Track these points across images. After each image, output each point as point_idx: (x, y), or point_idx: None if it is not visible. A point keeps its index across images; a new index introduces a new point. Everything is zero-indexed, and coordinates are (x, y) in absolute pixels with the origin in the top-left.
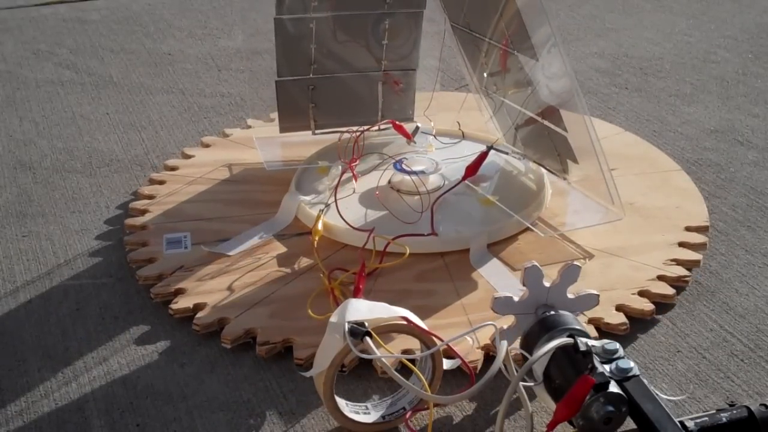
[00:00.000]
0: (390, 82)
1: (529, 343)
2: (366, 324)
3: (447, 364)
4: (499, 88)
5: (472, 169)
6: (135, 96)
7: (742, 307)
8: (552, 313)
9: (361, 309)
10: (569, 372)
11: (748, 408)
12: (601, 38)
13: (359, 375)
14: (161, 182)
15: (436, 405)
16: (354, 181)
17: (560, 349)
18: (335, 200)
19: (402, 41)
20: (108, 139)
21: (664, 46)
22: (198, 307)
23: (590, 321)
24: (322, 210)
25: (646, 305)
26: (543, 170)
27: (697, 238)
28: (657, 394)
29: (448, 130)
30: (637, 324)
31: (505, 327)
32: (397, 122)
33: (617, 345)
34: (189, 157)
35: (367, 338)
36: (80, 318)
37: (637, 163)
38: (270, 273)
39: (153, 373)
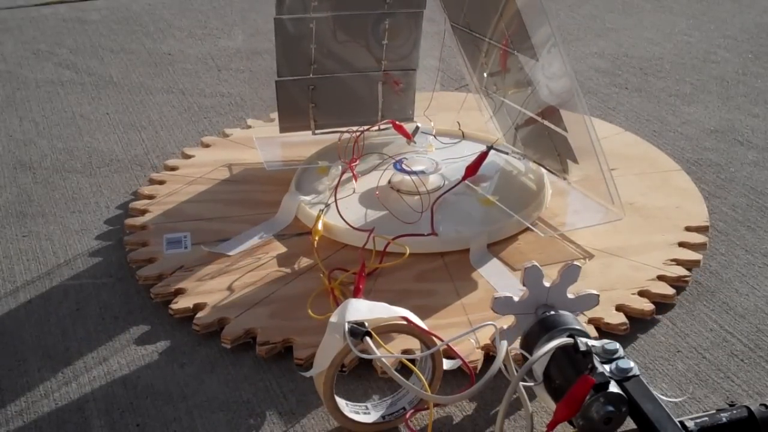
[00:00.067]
0: (390, 82)
1: (529, 343)
2: (366, 324)
3: (447, 364)
4: (499, 88)
5: (472, 169)
6: (135, 96)
7: (742, 307)
8: (552, 313)
9: (361, 309)
10: (569, 372)
11: (748, 408)
12: (601, 38)
13: (359, 375)
14: (161, 182)
15: (436, 405)
16: (354, 181)
17: (560, 349)
18: (335, 200)
19: (402, 41)
20: (108, 139)
21: (664, 46)
22: (198, 307)
23: (590, 321)
24: (322, 210)
25: (646, 305)
26: (543, 170)
27: (697, 238)
28: (659, 397)
29: (448, 130)
30: (637, 324)
31: (505, 327)
32: (397, 122)
33: (617, 345)
34: (189, 157)
35: (367, 338)
36: (80, 318)
37: (637, 163)
38: (270, 273)
39: (153, 373)
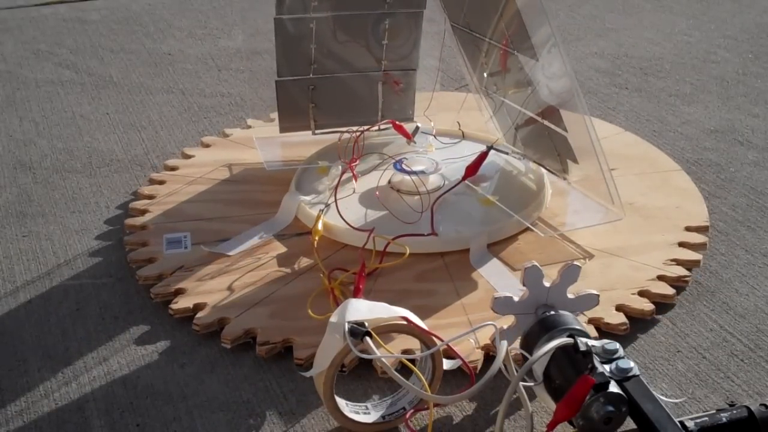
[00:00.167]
0: (390, 82)
1: (529, 343)
2: (366, 324)
3: (447, 364)
4: (499, 88)
5: (472, 169)
6: (135, 96)
7: (742, 307)
8: (552, 313)
9: (361, 309)
10: (569, 372)
11: (748, 408)
12: (601, 38)
13: (359, 375)
14: (161, 182)
15: (436, 405)
16: (354, 181)
17: (560, 349)
18: (335, 200)
19: (402, 41)
20: (108, 139)
21: (664, 46)
22: (198, 307)
23: (590, 321)
24: (322, 210)
25: (646, 305)
26: (543, 170)
27: (697, 238)
28: (659, 397)
29: (448, 130)
30: (637, 324)
31: (505, 327)
32: (397, 122)
33: (617, 345)
34: (189, 157)
35: (367, 338)
36: (80, 318)
37: (637, 163)
38: (270, 273)
39: (153, 373)
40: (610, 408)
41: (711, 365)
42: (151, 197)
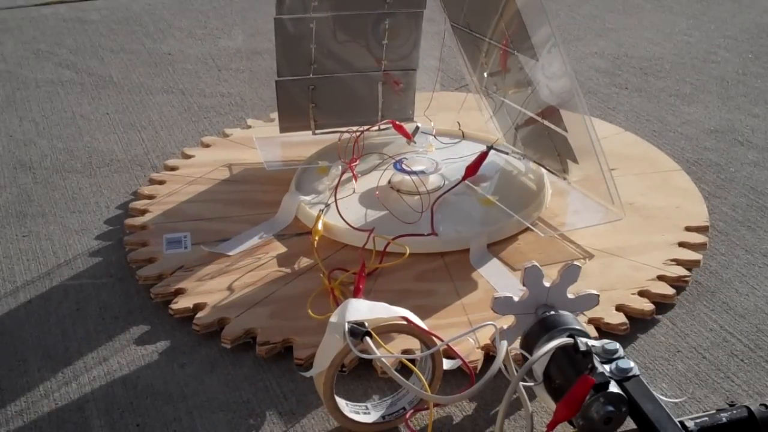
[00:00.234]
0: (390, 82)
1: (529, 343)
2: (366, 324)
3: (447, 364)
4: (499, 88)
5: (472, 169)
6: (135, 96)
7: (742, 307)
8: (552, 313)
9: (361, 309)
10: (569, 372)
11: (748, 408)
12: (601, 38)
13: (359, 375)
14: (161, 182)
15: (436, 405)
16: (354, 181)
17: (560, 349)
18: (335, 200)
19: (402, 41)
20: (108, 139)
21: (664, 46)
22: (198, 307)
23: (590, 321)
24: (322, 210)
25: (646, 305)
26: (543, 170)
27: (697, 238)
28: (659, 397)
29: (448, 130)
30: (637, 324)
31: (505, 327)
32: (397, 122)
33: (617, 345)
34: (189, 157)
35: (367, 338)
36: (80, 318)
37: (637, 163)
38: (270, 273)
39: (153, 373)
40: (610, 408)
41: (711, 365)
42: (151, 197)
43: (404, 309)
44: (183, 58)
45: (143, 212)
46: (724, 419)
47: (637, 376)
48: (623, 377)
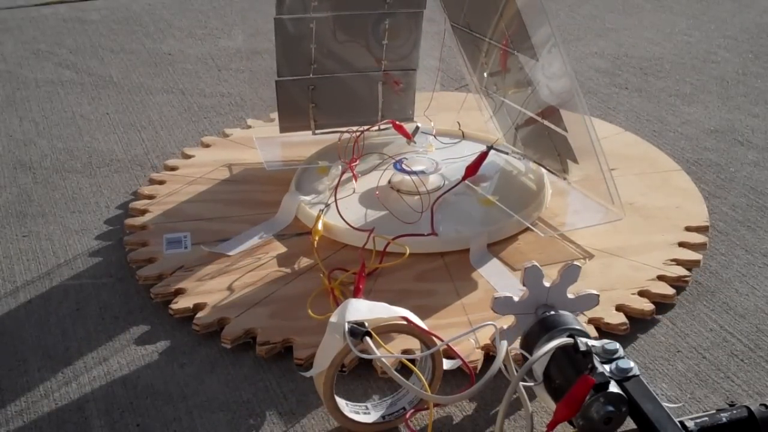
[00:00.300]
0: (390, 82)
1: (529, 343)
2: (366, 324)
3: (447, 364)
4: (499, 88)
5: (472, 169)
6: (135, 96)
7: (742, 307)
8: (552, 313)
9: (361, 309)
10: (569, 372)
11: (748, 408)
12: (601, 38)
13: (359, 375)
14: (161, 182)
15: (436, 405)
16: (354, 181)
17: (560, 349)
18: (335, 200)
19: (402, 41)
20: (108, 139)
21: (664, 46)
22: (198, 307)
23: (590, 321)
24: (322, 210)
25: (646, 305)
26: (543, 170)
27: (697, 238)
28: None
29: (448, 130)
30: (637, 324)
31: (505, 327)
32: (397, 122)
33: (617, 345)
34: (189, 157)
35: (367, 338)
36: (80, 318)
37: (637, 163)
38: (270, 273)
39: (153, 373)
40: (610, 408)
41: (711, 365)
42: (151, 197)
43: (404, 309)
44: (183, 58)
45: (143, 212)
46: (724, 419)
47: (637, 376)
48: (623, 377)
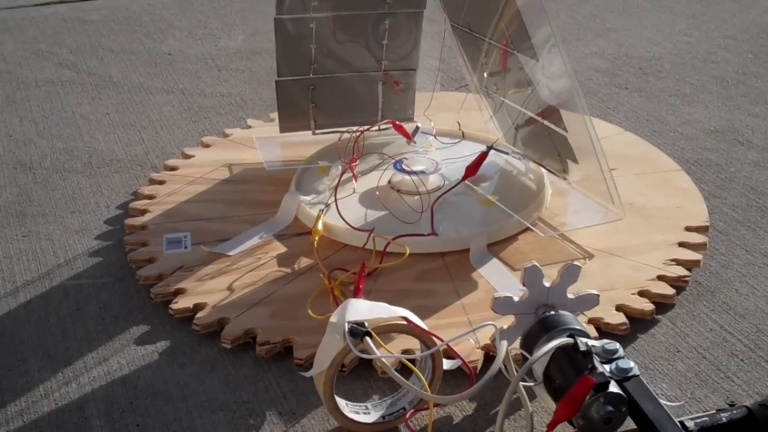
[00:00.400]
0: (390, 82)
1: (529, 343)
2: (366, 324)
3: (447, 364)
4: (499, 88)
5: (472, 169)
6: (135, 96)
7: (742, 307)
8: (552, 313)
9: (361, 309)
10: (569, 372)
11: (748, 408)
12: (601, 38)
13: (359, 375)
14: (161, 182)
15: (436, 405)
16: (354, 181)
17: (560, 349)
18: (335, 200)
19: (402, 41)
20: (108, 139)
21: (664, 46)
22: (198, 307)
23: (590, 321)
24: (322, 210)
25: (646, 305)
26: (543, 170)
27: (697, 238)
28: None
29: (448, 130)
30: (637, 324)
31: (505, 327)
32: (397, 122)
33: (617, 345)
34: (189, 157)
35: (367, 338)
36: (80, 318)
37: (637, 163)
38: (270, 273)
39: (153, 373)
40: (610, 408)
41: (711, 365)
42: (151, 197)
43: (404, 309)
44: (183, 58)
45: (143, 212)
46: (724, 419)
47: (637, 376)
48: (623, 377)
